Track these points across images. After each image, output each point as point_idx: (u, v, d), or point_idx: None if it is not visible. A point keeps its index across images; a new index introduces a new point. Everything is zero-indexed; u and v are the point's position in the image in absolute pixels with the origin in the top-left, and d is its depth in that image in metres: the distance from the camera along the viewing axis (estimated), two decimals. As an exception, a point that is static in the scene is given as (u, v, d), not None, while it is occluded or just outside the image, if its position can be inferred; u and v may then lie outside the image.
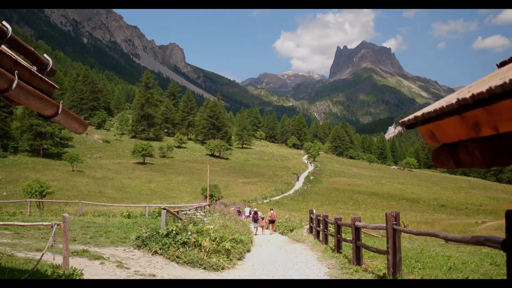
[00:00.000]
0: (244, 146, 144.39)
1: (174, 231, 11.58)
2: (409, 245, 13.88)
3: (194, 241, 11.31)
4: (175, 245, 11.23)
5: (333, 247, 14.53)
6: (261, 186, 79.23)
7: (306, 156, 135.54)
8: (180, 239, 11.35)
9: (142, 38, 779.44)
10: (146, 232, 11.72)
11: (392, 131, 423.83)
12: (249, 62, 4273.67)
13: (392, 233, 8.47)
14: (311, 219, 21.80)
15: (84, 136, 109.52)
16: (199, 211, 14.83)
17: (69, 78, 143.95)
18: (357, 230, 11.03)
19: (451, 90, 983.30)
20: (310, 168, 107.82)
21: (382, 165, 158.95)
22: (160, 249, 11.08)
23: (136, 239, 11.73)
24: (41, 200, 38.43)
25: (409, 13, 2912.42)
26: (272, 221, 30.49)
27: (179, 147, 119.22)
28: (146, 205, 28.82)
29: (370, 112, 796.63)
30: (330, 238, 16.78)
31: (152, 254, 11.01)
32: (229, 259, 11.65)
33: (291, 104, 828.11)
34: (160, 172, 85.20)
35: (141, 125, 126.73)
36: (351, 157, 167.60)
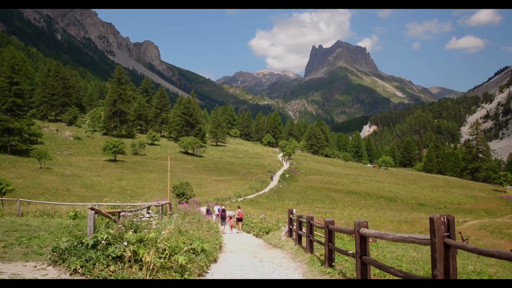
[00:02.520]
0: (218, 143, 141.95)
1: (104, 241, 8.31)
2: (417, 255, 10.94)
3: (132, 255, 8.03)
4: (104, 261, 8.00)
5: (321, 258, 11.37)
6: (235, 184, 76.92)
7: (281, 154, 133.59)
8: (113, 251, 8.10)
9: (117, 35, 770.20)
10: (64, 242, 8.52)
11: (367, 130, 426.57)
12: (225, 61, 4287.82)
13: (444, 251, 5.19)
14: (290, 221, 18.71)
15: (55, 133, 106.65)
16: (152, 212, 11.66)
17: (40, 74, 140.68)
18: (363, 240, 7.82)
19: (425, 90, 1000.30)
20: (286, 166, 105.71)
21: (358, 164, 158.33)
22: (82, 266, 7.95)
23: (52, 251, 8.51)
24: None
25: (384, 13, 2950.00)
26: (239, 219, 29.68)
27: (152, 144, 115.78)
28: (95, 203, 24.57)
29: (345, 112, 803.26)
30: (316, 245, 13.61)
31: (71, 274, 7.89)
32: (183, 279, 8.28)
33: (266, 102, 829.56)
34: (132, 169, 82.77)
35: (113, 121, 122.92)
36: (326, 155, 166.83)
